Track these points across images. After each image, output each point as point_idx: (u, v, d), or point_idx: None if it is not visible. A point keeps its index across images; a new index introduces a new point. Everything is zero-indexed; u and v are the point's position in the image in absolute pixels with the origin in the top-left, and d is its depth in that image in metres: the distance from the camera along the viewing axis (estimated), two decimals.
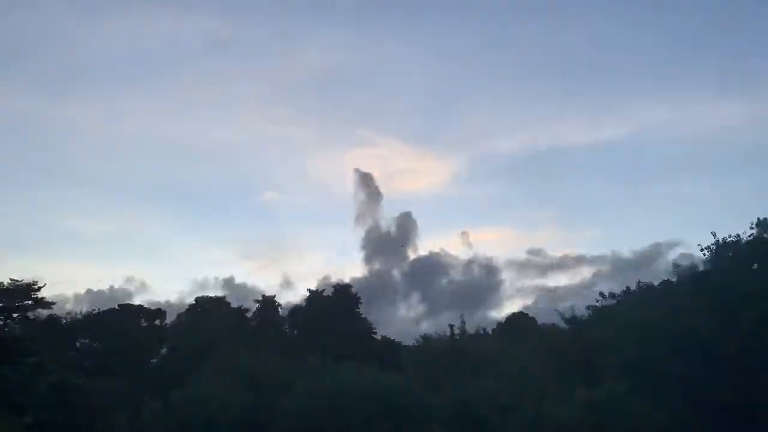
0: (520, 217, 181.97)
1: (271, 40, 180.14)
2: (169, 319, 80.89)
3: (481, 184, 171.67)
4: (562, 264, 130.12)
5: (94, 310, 77.92)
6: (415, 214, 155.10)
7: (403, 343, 75.88)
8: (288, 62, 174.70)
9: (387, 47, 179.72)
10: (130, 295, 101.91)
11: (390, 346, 77.23)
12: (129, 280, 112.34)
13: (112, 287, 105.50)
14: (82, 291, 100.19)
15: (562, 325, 61.29)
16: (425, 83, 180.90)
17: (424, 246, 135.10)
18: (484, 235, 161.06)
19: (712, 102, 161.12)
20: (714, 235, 48.93)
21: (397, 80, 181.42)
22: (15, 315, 43.57)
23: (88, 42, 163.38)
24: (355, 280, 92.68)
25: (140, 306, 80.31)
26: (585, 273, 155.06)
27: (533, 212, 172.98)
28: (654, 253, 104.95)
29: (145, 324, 78.81)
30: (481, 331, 65.19)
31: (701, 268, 49.68)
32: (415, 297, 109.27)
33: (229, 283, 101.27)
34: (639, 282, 59.68)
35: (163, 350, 78.49)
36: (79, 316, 75.05)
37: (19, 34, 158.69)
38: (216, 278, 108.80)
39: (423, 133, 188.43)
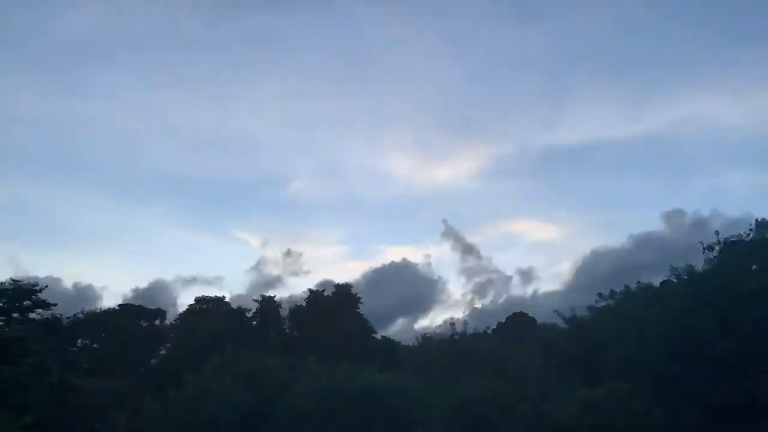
0: (548, 210, 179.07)
1: (299, 24, 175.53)
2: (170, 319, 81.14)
3: (514, 176, 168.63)
4: None
5: (96, 309, 78.11)
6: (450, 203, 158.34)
7: (403, 343, 76.07)
8: (316, 47, 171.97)
9: (417, 33, 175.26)
10: (148, 291, 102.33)
11: (390, 346, 77.36)
12: (147, 276, 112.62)
13: (133, 284, 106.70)
14: (103, 288, 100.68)
15: (562, 325, 61.28)
16: (459, 72, 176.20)
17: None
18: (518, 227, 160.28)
19: (753, 92, 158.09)
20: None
21: (431, 67, 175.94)
22: (15, 315, 43.67)
23: (107, 27, 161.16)
24: None
25: (140, 306, 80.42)
26: None
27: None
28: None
29: (144, 324, 78.90)
30: (481, 331, 65.28)
31: (701, 268, 49.64)
32: None
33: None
34: (639, 282, 59.63)
35: (163, 350, 78.59)
36: (79, 316, 75.10)
37: (26, 22, 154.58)
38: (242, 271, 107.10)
39: (457, 123, 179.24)
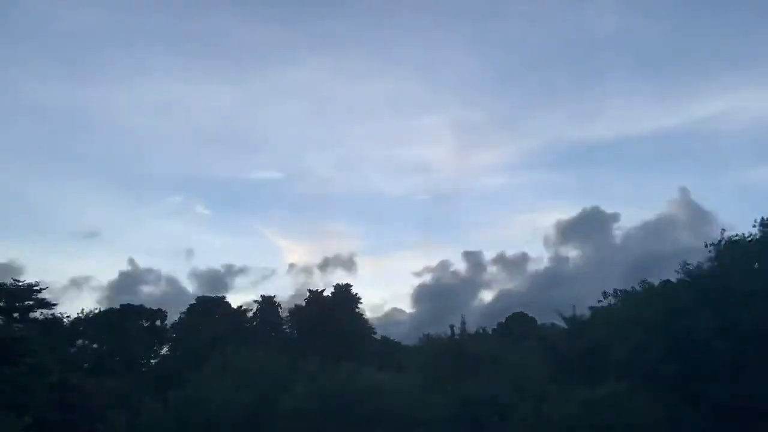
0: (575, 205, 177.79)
1: (315, 16, 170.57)
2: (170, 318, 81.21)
3: (543, 170, 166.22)
4: None
5: (95, 309, 78.16)
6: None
7: (403, 343, 76.10)
8: (333, 38, 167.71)
9: (443, 24, 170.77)
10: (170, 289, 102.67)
11: (390, 346, 77.47)
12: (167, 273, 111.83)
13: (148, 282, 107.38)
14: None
15: (562, 325, 61.28)
16: (488, 66, 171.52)
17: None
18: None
19: None
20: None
21: (458, 60, 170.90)
22: (15, 315, 43.72)
23: (131, 15, 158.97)
24: None
25: (140, 306, 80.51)
26: None
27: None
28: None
29: (145, 324, 78.97)
30: (481, 331, 65.26)
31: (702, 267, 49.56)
32: None
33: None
34: (641, 281, 59.57)
35: (163, 350, 78.69)
36: (80, 316, 75.18)
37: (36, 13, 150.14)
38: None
39: (486, 115, 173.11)
